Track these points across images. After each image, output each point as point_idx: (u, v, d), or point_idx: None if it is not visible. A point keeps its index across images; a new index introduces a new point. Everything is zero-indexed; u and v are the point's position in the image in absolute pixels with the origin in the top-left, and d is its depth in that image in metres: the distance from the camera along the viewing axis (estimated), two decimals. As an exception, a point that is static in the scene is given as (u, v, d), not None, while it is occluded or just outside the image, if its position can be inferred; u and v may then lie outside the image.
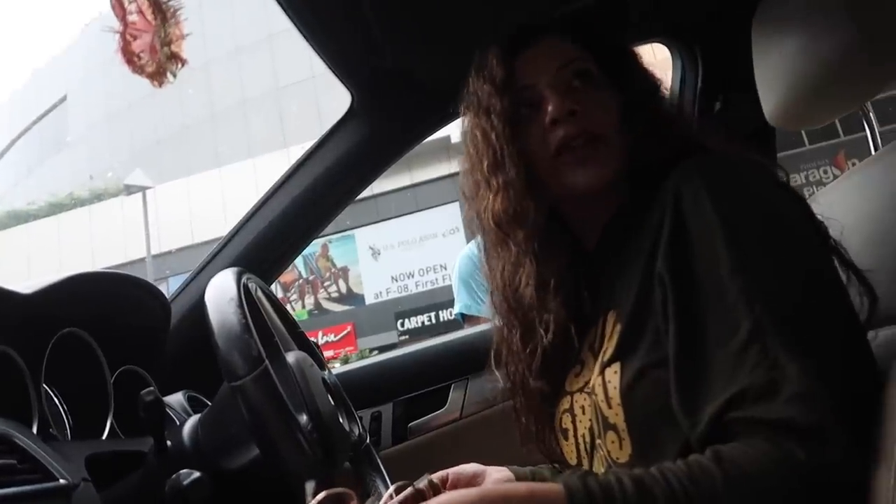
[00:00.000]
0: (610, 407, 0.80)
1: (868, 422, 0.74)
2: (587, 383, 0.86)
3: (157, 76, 0.58)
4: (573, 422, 0.89)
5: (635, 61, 0.99)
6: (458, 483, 0.99)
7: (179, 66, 0.60)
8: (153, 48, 0.56)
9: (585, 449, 0.88)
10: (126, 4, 0.55)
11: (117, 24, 0.55)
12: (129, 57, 0.52)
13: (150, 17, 0.57)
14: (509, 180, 0.91)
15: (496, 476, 1.04)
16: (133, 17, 0.55)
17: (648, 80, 0.98)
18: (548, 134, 0.90)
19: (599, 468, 0.85)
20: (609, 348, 0.83)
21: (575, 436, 0.89)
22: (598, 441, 0.84)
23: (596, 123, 0.90)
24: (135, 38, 0.53)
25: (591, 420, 0.85)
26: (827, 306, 0.72)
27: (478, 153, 0.95)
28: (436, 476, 1.01)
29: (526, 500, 0.62)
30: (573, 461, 0.91)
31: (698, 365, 0.70)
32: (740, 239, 0.72)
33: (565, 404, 0.91)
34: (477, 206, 0.96)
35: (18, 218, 17.65)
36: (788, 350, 0.66)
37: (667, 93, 0.98)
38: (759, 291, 0.69)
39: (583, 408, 0.87)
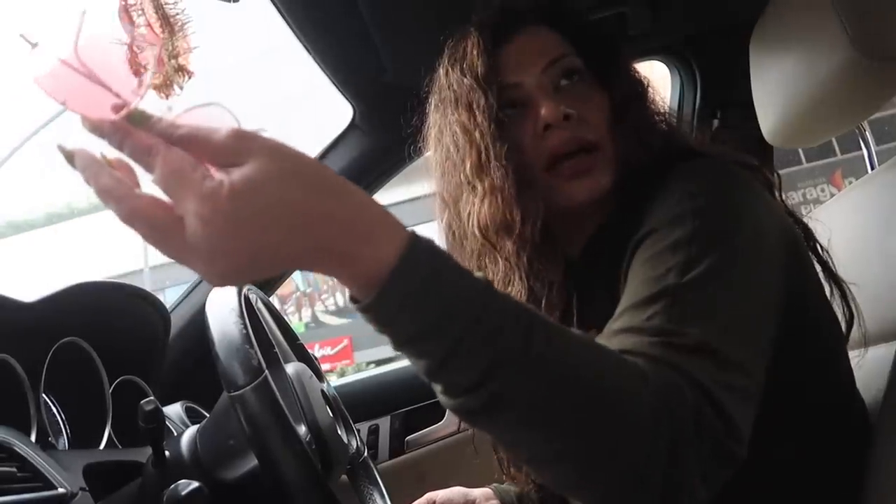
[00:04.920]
0: None
1: (850, 438, 0.75)
2: None
3: (164, 88, 0.58)
4: None
5: (621, 57, 0.92)
6: None
7: (186, 78, 0.60)
8: (160, 60, 0.57)
9: None
10: (135, 18, 0.55)
11: (125, 36, 0.56)
12: (136, 69, 0.53)
13: (157, 29, 0.58)
14: (497, 185, 0.81)
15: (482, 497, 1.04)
16: (142, 30, 0.55)
17: (635, 78, 0.91)
18: (539, 140, 0.83)
19: None
20: None
21: None
22: None
23: (590, 129, 0.83)
24: (142, 49, 0.54)
25: None
26: (759, 306, 0.67)
27: (459, 152, 0.85)
28: (422, 501, 1.02)
29: (364, 220, 0.48)
30: None
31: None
32: (697, 230, 0.67)
33: None
34: (459, 211, 0.87)
35: (16, 228, 17.62)
36: (698, 315, 0.61)
37: (653, 93, 0.91)
38: (696, 268, 0.64)
39: None
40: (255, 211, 0.44)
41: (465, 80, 0.85)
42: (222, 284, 0.47)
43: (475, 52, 0.85)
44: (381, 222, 0.48)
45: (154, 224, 0.45)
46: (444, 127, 0.88)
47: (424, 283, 0.48)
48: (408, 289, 0.48)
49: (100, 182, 0.45)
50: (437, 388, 0.52)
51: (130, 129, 0.45)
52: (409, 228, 0.50)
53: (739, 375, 0.59)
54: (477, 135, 0.83)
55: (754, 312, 0.66)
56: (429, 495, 1.05)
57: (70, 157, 0.47)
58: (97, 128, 0.46)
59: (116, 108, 0.46)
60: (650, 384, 0.54)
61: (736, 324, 0.63)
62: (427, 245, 0.49)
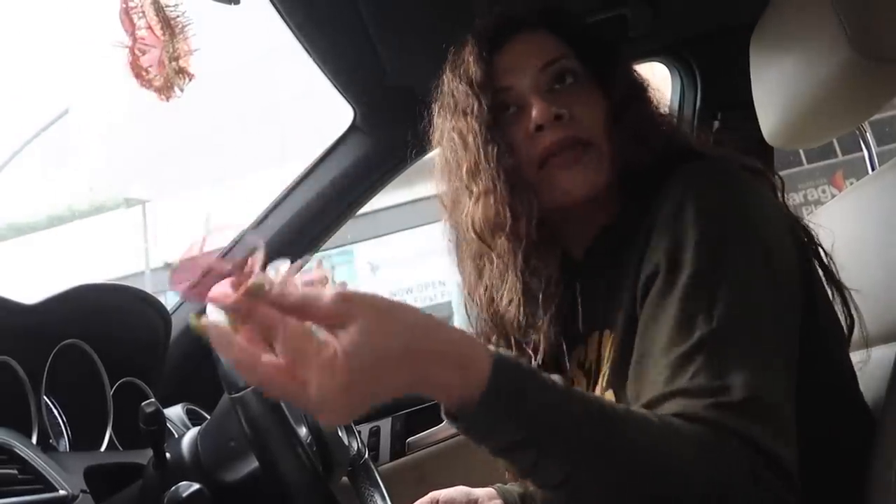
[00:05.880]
0: None
1: (846, 437, 0.75)
2: None
3: (165, 90, 0.59)
4: None
5: (620, 59, 0.93)
6: None
7: (187, 80, 0.61)
8: (161, 63, 0.57)
9: None
10: (135, 20, 0.56)
11: (126, 39, 0.56)
12: (138, 71, 0.53)
13: (158, 32, 0.58)
14: (490, 186, 0.84)
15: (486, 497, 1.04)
16: (142, 33, 0.56)
17: (634, 80, 0.92)
18: (532, 140, 0.84)
19: None
20: (606, 373, 0.80)
21: None
22: None
23: (583, 128, 0.84)
24: (143, 52, 0.54)
25: None
26: (785, 326, 0.70)
27: (455, 157, 0.88)
28: (425, 500, 1.02)
29: (453, 351, 0.55)
30: None
31: (645, 367, 0.69)
32: (711, 251, 0.70)
33: None
34: (456, 214, 0.89)
35: (18, 230, 17.62)
36: (736, 363, 0.64)
37: (655, 92, 0.92)
38: (721, 305, 0.67)
39: None
40: (366, 367, 0.51)
41: (460, 86, 0.88)
42: (340, 423, 0.53)
43: (471, 59, 0.88)
44: (469, 351, 0.56)
45: (283, 389, 0.51)
46: (443, 132, 0.91)
47: (510, 404, 0.55)
48: (496, 411, 0.55)
49: (231, 354, 0.52)
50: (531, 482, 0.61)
51: (253, 306, 0.51)
52: (495, 350, 0.57)
53: (782, 415, 0.64)
54: (471, 139, 0.86)
55: (783, 338, 0.69)
56: (432, 494, 1.05)
57: (202, 329, 0.52)
58: (226, 307, 0.52)
59: (236, 285, 0.52)
60: (709, 457, 0.59)
61: (770, 361, 0.67)
62: (511, 365, 0.56)
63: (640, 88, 0.91)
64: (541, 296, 0.87)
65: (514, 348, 0.89)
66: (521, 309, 0.86)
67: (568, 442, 0.57)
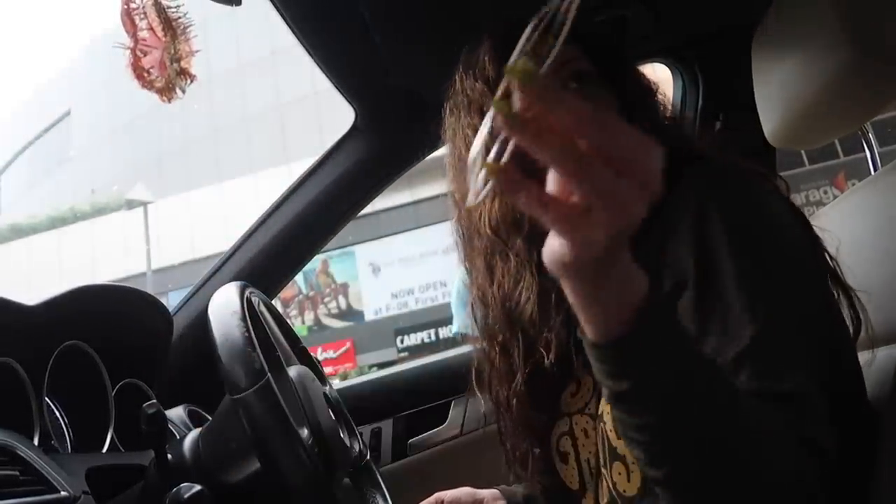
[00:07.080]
0: (619, 437, 0.76)
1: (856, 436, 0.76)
2: (587, 404, 0.85)
3: (167, 92, 0.59)
4: (574, 445, 0.87)
5: (629, 63, 0.96)
6: None
7: (188, 81, 0.61)
8: (163, 64, 0.57)
9: (590, 473, 0.85)
10: (137, 21, 0.56)
11: (128, 41, 0.56)
12: (140, 73, 0.53)
13: (160, 33, 0.58)
14: None
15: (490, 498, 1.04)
16: (143, 34, 0.56)
17: (643, 83, 0.94)
18: None
19: (603, 499, 0.83)
20: None
21: (577, 460, 0.87)
22: (603, 470, 0.81)
23: None
24: (145, 54, 0.54)
25: (596, 446, 0.83)
26: (821, 319, 0.73)
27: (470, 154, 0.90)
28: (430, 500, 1.02)
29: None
30: (574, 486, 0.89)
31: None
32: (746, 252, 0.71)
33: (563, 426, 0.88)
34: (470, 211, 0.90)
35: (19, 231, 17.64)
36: (787, 365, 0.66)
37: (662, 97, 0.94)
38: (762, 306, 0.69)
39: (585, 431, 0.85)
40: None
41: (477, 84, 0.89)
42: (559, 272, 0.51)
43: (486, 59, 0.89)
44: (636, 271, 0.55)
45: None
46: (457, 130, 0.92)
47: (658, 334, 0.54)
48: (647, 336, 0.53)
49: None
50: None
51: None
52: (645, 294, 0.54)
53: (826, 413, 0.66)
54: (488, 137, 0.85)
55: (825, 333, 0.72)
56: (437, 495, 1.05)
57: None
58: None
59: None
60: (789, 447, 0.61)
61: (816, 359, 0.69)
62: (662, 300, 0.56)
63: (648, 90, 0.93)
64: (554, 296, 0.86)
65: (528, 346, 0.89)
66: (537, 307, 0.86)
67: (697, 398, 0.56)
